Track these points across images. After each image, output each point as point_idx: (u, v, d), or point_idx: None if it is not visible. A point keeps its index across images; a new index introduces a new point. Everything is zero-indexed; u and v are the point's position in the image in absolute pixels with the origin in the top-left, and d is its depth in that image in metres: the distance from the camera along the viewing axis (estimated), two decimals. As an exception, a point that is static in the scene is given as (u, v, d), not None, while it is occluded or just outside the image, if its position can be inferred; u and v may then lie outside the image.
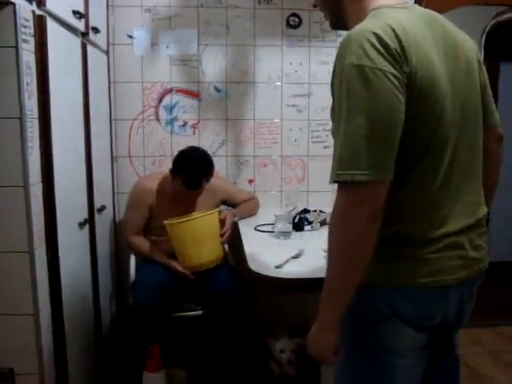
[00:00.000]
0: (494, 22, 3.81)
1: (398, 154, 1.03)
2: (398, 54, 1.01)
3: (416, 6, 1.22)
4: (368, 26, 1.05)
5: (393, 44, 1.01)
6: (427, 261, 1.11)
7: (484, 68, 1.30)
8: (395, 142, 1.02)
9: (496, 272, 3.82)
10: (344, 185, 1.01)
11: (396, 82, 1.00)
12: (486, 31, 3.86)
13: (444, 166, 1.12)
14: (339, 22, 1.27)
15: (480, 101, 1.23)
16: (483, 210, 1.26)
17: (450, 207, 1.15)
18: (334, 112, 1.08)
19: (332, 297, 1.11)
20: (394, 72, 1.00)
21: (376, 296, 1.14)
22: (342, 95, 1.03)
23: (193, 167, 2.31)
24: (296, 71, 2.95)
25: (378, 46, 1.00)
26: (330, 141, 3.06)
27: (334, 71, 1.08)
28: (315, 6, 1.34)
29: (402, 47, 1.02)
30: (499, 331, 3.14)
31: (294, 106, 2.97)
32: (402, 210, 1.12)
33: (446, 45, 1.14)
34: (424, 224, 1.12)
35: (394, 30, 1.02)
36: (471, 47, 1.24)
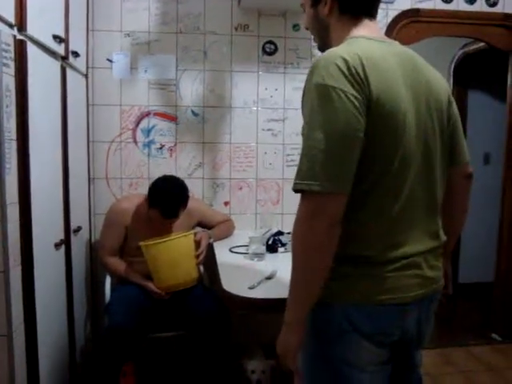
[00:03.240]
0: (461, 52, 3.98)
1: (358, 176, 1.09)
2: (360, 78, 1.09)
3: (395, 42, 1.31)
4: (337, 51, 1.14)
5: (357, 69, 1.09)
6: (385, 279, 1.16)
7: (455, 107, 1.37)
8: (352, 157, 1.08)
9: (468, 293, 3.93)
10: (304, 195, 1.09)
11: (356, 103, 1.07)
12: (455, 60, 4.02)
13: (404, 193, 1.17)
14: (325, 45, 1.35)
15: (442, 139, 1.29)
16: (441, 239, 1.32)
17: (408, 233, 1.20)
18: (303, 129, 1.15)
19: (295, 299, 1.18)
20: (355, 94, 1.08)
21: (335, 312, 1.19)
22: (307, 112, 1.11)
23: (168, 199, 2.34)
24: (271, 96, 3.03)
25: (344, 69, 1.09)
26: (304, 165, 3.09)
27: (303, 91, 1.16)
28: (307, 29, 1.43)
29: (365, 73, 1.10)
30: (471, 351, 3.20)
31: (269, 130, 3.04)
32: (362, 232, 1.17)
33: (415, 82, 1.21)
34: (382, 246, 1.17)
35: (360, 58, 1.11)
36: (443, 87, 1.31)
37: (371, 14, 1.30)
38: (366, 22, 1.28)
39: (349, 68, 1.09)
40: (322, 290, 1.15)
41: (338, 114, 1.07)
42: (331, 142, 1.06)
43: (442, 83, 1.32)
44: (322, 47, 1.39)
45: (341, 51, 1.13)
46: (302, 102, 1.17)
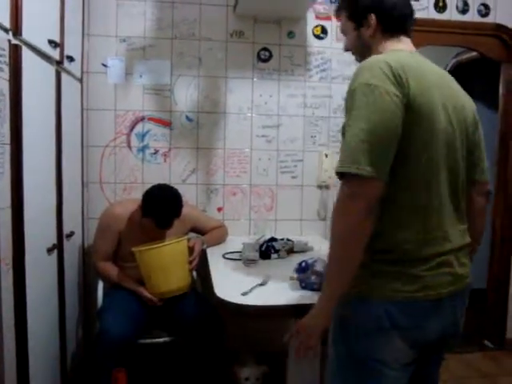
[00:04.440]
0: (454, 60, 4.01)
1: (392, 170, 1.21)
2: (401, 80, 1.22)
3: (427, 59, 1.44)
4: (380, 57, 1.30)
5: (398, 72, 1.22)
6: (421, 277, 1.26)
7: (480, 127, 1.49)
8: (391, 149, 1.20)
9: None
10: (345, 178, 1.20)
11: (397, 101, 1.20)
12: (448, 69, 4.05)
13: (433, 192, 1.28)
14: None
15: (466, 153, 1.41)
16: (468, 239, 1.42)
17: (440, 231, 1.30)
18: (344, 127, 1.26)
19: (330, 283, 1.28)
20: (397, 93, 1.20)
21: (375, 307, 1.27)
22: (351, 107, 1.23)
23: (162, 211, 2.33)
24: (266, 103, 3.04)
25: (387, 71, 1.22)
26: (298, 171, 3.17)
27: (348, 92, 1.28)
28: (347, 50, 1.57)
29: (406, 77, 1.23)
30: (463, 358, 3.20)
31: (263, 136, 3.05)
32: (399, 229, 1.27)
33: (447, 95, 1.34)
34: (418, 244, 1.27)
35: (401, 63, 1.25)
36: (470, 105, 1.45)
37: (406, 30, 1.46)
38: (402, 38, 1.44)
39: (391, 70, 1.22)
40: (362, 285, 1.27)
41: (381, 109, 1.18)
42: (374, 133, 1.17)
43: (470, 102, 1.46)
44: None
45: (383, 57, 1.28)
46: (346, 100, 1.27)
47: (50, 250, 2.11)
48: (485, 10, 3.18)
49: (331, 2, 3.04)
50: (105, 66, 2.86)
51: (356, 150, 1.17)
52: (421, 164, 1.25)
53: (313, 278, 1.83)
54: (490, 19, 3.20)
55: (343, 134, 1.26)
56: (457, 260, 1.33)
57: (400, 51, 1.38)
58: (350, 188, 1.19)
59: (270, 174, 3.08)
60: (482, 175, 1.52)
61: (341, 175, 1.21)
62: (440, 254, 1.29)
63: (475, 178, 1.49)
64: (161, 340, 2.44)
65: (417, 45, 1.50)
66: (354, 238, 1.20)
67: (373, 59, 1.28)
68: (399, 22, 1.44)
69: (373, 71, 1.22)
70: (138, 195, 2.60)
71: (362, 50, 1.49)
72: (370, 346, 1.28)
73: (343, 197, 1.21)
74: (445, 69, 4.04)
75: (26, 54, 1.78)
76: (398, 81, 1.21)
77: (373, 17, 1.43)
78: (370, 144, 1.17)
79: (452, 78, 1.46)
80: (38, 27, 1.92)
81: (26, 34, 1.76)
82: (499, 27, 3.20)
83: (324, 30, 3.05)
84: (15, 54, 1.69)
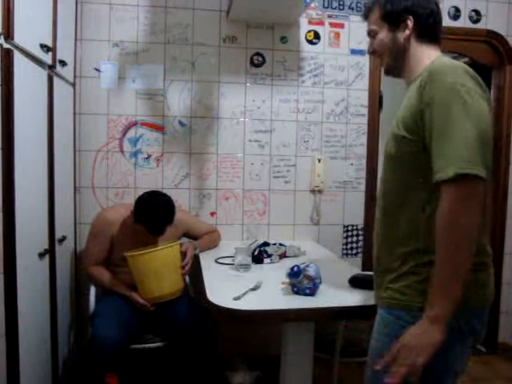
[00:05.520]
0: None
1: None
2: (480, 82, 1.25)
3: None
4: (453, 61, 1.30)
5: (476, 75, 1.25)
6: (490, 283, 1.33)
7: None
8: (491, 150, 1.22)
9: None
10: (459, 180, 1.15)
11: (486, 103, 1.23)
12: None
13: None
14: (398, 67, 1.47)
15: None
16: None
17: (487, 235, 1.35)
18: (409, 127, 1.28)
19: (449, 291, 1.19)
20: (483, 95, 1.23)
21: (458, 316, 1.23)
22: (445, 111, 1.20)
23: (154, 218, 2.33)
24: (259, 108, 3.04)
25: (471, 73, 1.24)
26: (291, 176, 3.16)
27: (428, 95, 1.24)
28: (372, 53, 1.53)
29: (481, 83, 1.26)
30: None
31: (256, 141, 3.06)
32: (482, 231, 1.28)
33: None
34: (485, 251, 1.32)
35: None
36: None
37: (439, 40, 1.45)
38: (437, 48, 1.44)
39: (471, 73, 1.24)
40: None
41: (479, 110, 1.19)
42: (481, 134, 1.17)
43: None
44: (394, 69, 1.50)
45: (456, 62, 1.29)
46: (432, 106, 1.23)
47: (41, 255, 2.10)
48: (476, 17, 3.21)
49: (324, 7, 3.05)
50: (97, 70, 2.86)
51: (472, 152, 1.15)
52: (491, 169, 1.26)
53: (305, 282, 1.83)
54: (481, 25, 3.22)
55: (396, 139, 1.31)
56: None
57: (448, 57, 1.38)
58: (467, 190, 1.15)
59: (263, 179, 3.08)
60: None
61: (457, 176, 1.15)
62: (490, 259, 1.35)
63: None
64: (153, 345, 2.43)
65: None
66: (473, 240, 1.18)
67: (446, 64, 1.28)
68: (434, 30, 1.43)
69: (458, 73, 1.22)
70: (130, 200, 2.60)
71: (396, 53, 1.45)
72: (449, 354, 1.27)
73: (459, 198, 1.16)
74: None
75: (18, 58, 1.78)
76: (480, 83, 1.24)
77: (411, 19, 1.40)
78: (481, 146, 1.16)
79: None
80: (30, 31, 1.92)
81: (18, 39, 1.76)
82: (490, 33, 3.22)
83: (317, 35, 3.06)
84: (7, 58, 1.69)
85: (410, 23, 1.40)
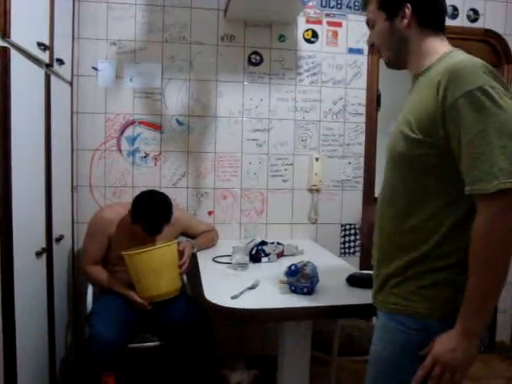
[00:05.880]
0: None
1: None
2: (502, 81, 1.18)
3: None
4: (473, 58, 1.20)
5: (497, 73, 1.18)
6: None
7: None
8: None
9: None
10: (502, 193, 1.09)
11: None
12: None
13: None
14: (399, 59, 1.41)
15: None
16: None
17: None
18: (437, 132, 1.19)
19: (488, 301, 1.16)
20: (508, 95, 1.16)
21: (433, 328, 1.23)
22: (479, 112, 1.12)
23: (151, 217, 2.33)
24: (256, 107, 3.04)
25: (496, 73, 1.17)
26: (289, 175, 3.17)
27: (453, 97, 1.15)
28: (372, 45, 1.48)
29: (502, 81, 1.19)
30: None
31: (253, 140, 3.05)
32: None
33: None
34: None
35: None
36: None
37: (443, 29, 1.38)
38: (444, 38, 1.36)
39: (494, 72, 1.17)
40: (450, 304, 1.21)
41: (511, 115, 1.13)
42: None
43: None
44: (395, 61, 1.43)
45: (476, 59, 1.19)
46: (459, 110, 1.15)
47: (38, 254, 2.09)
48: (474, 16, 3.21)
49: (322, 5, 3.05)
50: (95, 69, 2.86)
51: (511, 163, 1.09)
52: None
53: (302, 281, 1.83)
54: (479, 24, 3.23)
55: (405, 139, 1.24)
56: None
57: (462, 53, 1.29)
58: (509, 204, 1.10)
59: (261, 178, 3.08)
60: None
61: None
62: None
63: None
64: (151, 344, 2.43)
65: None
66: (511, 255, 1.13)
67: (467, 62, 1.19)
68: (436, 17, 1.36)
69: (480, 73, 1.14)
70: (128, 199, 2.60)
71: (395, 43, 1.39)
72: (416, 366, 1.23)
73: (503, 214, 1.10)
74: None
75: (15, 56, 1.77)
76: (503, 81, 1.17)
77: (408, 6, 1.33)
78: None
79: None
80: (27, 30, 1.91)
81: (15, 37, 1.75)
82: (488, 32, 3.23)
83: (315, 34, 3.06)
84: (3, 56, 1.68)
85: (407, 11, 1.33)
